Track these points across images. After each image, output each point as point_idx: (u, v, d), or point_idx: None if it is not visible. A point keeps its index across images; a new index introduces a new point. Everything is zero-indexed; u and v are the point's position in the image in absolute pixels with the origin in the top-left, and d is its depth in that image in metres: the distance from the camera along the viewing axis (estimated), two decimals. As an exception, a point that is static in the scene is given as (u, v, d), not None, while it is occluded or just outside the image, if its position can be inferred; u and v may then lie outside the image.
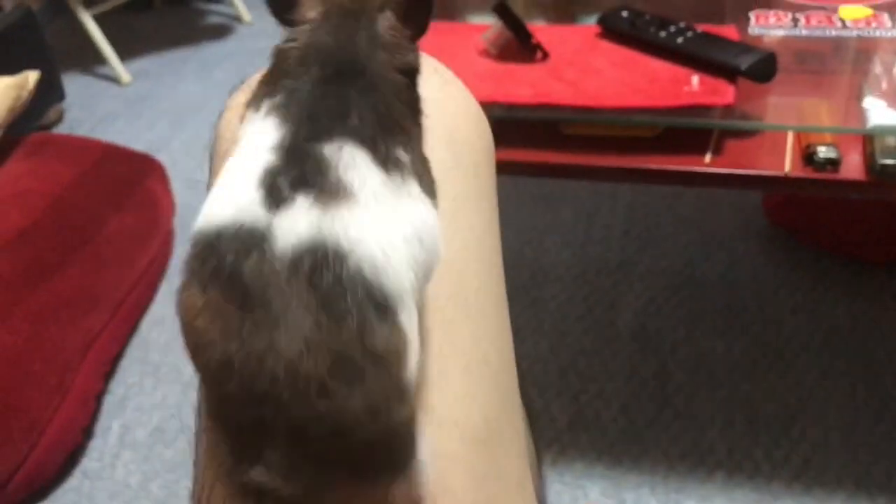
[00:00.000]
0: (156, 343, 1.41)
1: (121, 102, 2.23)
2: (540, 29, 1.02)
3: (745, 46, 0.91)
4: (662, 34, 0.95)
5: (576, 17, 1.16)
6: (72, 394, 1.18)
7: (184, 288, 0.27)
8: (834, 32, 1.00)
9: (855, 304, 1.33)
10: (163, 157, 1.72)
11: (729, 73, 0.89)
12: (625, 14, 0.99)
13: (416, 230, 0.28)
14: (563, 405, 1.22)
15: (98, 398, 1.27)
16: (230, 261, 0.25)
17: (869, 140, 0.85)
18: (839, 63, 0.99)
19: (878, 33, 0.99)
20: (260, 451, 0.25)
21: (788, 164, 0.85)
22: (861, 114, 0.88)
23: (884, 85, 0.92)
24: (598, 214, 1.59)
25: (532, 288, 1.44)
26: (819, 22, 1.02)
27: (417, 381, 0.31)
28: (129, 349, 1.39)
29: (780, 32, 1.02)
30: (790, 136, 0.89)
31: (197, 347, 0.26)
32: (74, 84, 2.27)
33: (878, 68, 0.95)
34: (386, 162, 0.29)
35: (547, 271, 1.47)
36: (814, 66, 0.99)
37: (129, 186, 1.51)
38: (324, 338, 0.24)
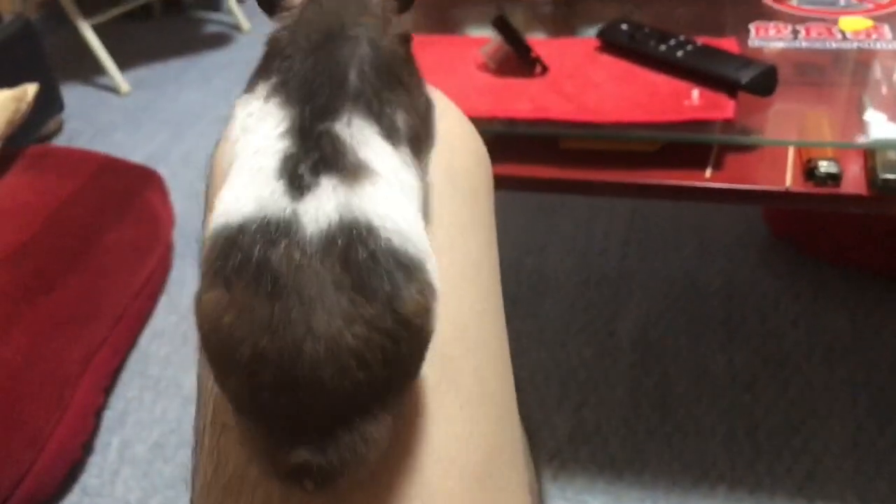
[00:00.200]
0: (155, 356, 1.41)
1: (120, 113, 2.23)
2: (539, 42, 1.02)
3: (746, 60, 0.91)
4: (662, 47, 0.94)
5: (576, 29, 1.16)
6: (72, 409, 1.17)
7: (205, 289, 0.26)
8: (834, 45, 1.00)
9: (856, 314, 1.32)
10: (162, 168, 1.71)
11: (729, 87, 0.89)
12: (624, 27, 0.99)
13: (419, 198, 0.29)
14: (564, 417, 1.21)
15: (98, 413, 1.27)
16: (257, 254, 0.25)
17: (870, 154, 0.84)
18: (840, 76, 0.99)
19: (878, 45, 0.99)
20: (297, 431, 0.25)
21: (789, 179, 0.85)
22: (862, 127, 0.88)
23: (885, 98, 0.92)
24: (597, 223, 1.59)
25: (532, 298, 1.43)
26: (819, 34, 1.02)
27: (416, 415, 0.31)
28: (128, 362, 1.39)
29: (781, 44, 1.02)
30: (791, 150, 0.89)
31: (224, 346, 0.25)
32: (74, 94, 2.27)
33: (878, 81, 0.95)
34: (389, 131, 0.29)
35: (548, 281, 1.46)
36: (814, 78, 0.99)
37: (128, 199, 1.51)
38: (360, 312, 0.25)
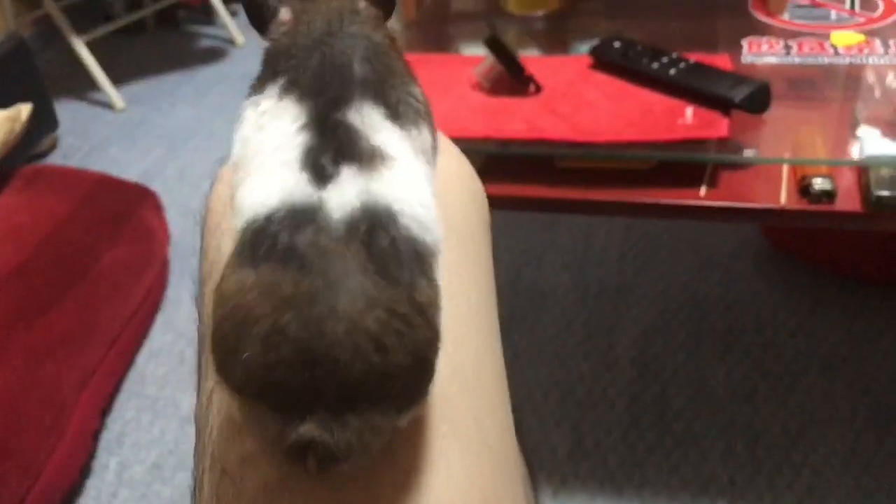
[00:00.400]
0: (153, 376, 1.40)
1: (115, 129, 2.23)
2: (532, 60, 1.02)
3: (739, 77, 0.91)
4: (655, 65, 0.95)
5: (568, 45, 1.16)
6: (68, 433, 1.17)
7: (232, 271, 0.27)
8: (826, 60, 1.00)
9: (854, 326, 1.32)
10: (157, 185, 1.71)
11: (723, 105, 0.89)
12: (617, 45, 0.99)
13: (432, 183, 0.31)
14: (563, 434, 1.21)
15: (95, 435, 1.26)
16: (284, 239, 0.26)
17: (864, 171, 0.84)
18: (832, 91, 0.99)
19: (870, 60, 0.99)
20: (307, 409, 0.25)
21: (784, 197, 0.85)
22: (855, 143, 0.88)
23: (877, 113, 0.92)
24: (594, 236, 1.59)
25: (530, 312, 1.43)
26: (811, 49, 1.02)
27: (417, 461, 0.31)
28: (125, 383, 1.38)
29: (773, 60, 1.02)
30: (785, 167, 0.89)
31: (244, 321, 0.26)
32: (68, 111, 2.26)
33: (871, 96, 0.95)
34: (396, 113, 0.31)
35: (545, 295, 1.46)
36: (807, 93, 0.99)
37: (124, 218, 1.51)
38: (380, 296, 0.26)
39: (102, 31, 2.36)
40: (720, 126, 0.87)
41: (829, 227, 1.16)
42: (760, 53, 1.03)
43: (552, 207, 0.94)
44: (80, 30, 2.28)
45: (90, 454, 1.24)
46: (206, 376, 0.36)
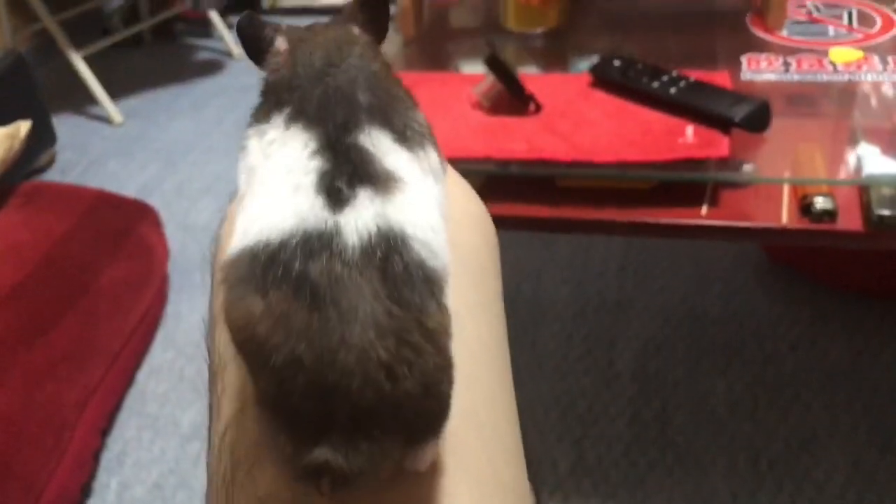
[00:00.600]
0: (153, 394, 1.40)
1: (113, 143, 2.23)
2: (531, 78, 1.02)
3: (739, 96, 0.91)
4: (655, 84, 0.95)
5: (568, 62, 1.17)
6: (69, 454, 1.16)
7: (238, 298, 0.27)
8: (825, 77, 1.00)
9: (854, 339, 1.32)
10: (155, 199, 1.71)
11: (723, 124, 0.89)
12: (617, 63, 0.99)
13: (442, 205, 0.31)
14: (565, 450, 1.21)
15: (96, 455, 1.26)
16: (297, 266, 0.26)
17: (865, 189, 0.84)
18: (832, 108, 0.99)
19: (868, 77, 0.99)
20: (321, 434, 0.26)
21: (785, 216, 0.85)
22: (855, 161, 0.88)
23: (877, 131, 0.92)
24: (594, 250, 1.59)
25: (530, 327, 1.43)
26: (810, 66, 1.02)
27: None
28: (125, 401, 1.38)
29: (772, 77, 1.02)
30: (786, 186, 0.89)
31: (259, 351, 0.26)
32: (66, 125, 2.26)
33: (870, 113, 0.95)
34: (403, 137, 0.31)
35: (545, 310, 1.46)
36: (807, 111, 0.99)
37: (123, 235, 1.51)
38: (392, 324, 0.26)
39: (100, 45, 2.36)
40: (721, 145, 0.87)
41: (831, 246, 1.16)
42: (759, 70, 1.03)
43: (553, 227, 0.94)
44: (77, 44, 2.28)
45: (91, 474, 1.24)
46: (218, 417, 0.35)
